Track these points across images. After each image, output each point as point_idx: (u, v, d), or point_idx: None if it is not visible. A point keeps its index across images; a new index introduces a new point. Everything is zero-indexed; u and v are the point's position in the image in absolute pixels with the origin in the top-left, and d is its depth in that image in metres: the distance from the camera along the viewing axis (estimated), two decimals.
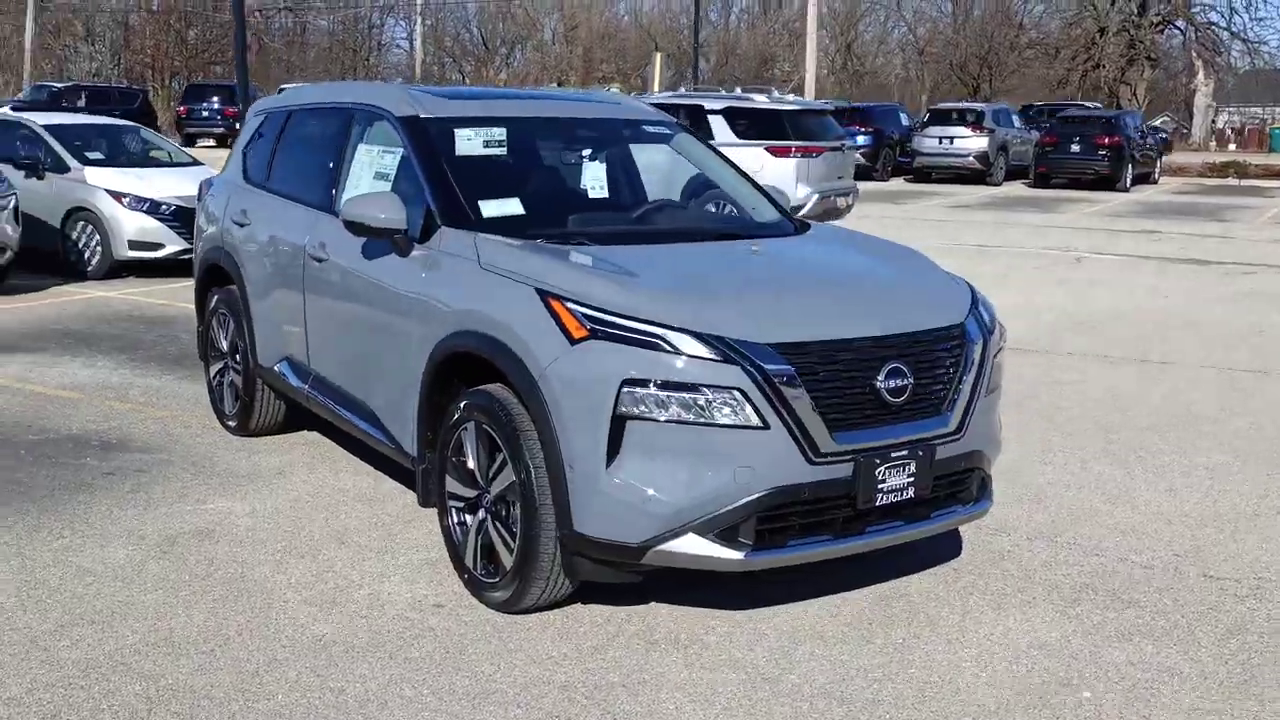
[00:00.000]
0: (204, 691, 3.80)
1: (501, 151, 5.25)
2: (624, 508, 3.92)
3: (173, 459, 6.18)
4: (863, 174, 27.88)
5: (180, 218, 11.77)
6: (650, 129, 5.85)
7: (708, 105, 15.09)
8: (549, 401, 3.99)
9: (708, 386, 3.85)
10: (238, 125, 35.03)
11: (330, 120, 5.83)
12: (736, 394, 3.86)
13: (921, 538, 4.49)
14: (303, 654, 4.07)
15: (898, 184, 28.28)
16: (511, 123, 5.35)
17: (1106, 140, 26.36)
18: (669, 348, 3.89)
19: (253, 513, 5.41)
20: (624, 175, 5.75)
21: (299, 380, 5.81)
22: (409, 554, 4.95)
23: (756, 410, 3.87)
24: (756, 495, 3.90)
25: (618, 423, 3.88)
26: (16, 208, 11.03)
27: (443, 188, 4.85)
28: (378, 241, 4.94)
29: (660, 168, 6.12)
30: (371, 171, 5.32)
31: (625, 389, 3.86)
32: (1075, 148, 26.51)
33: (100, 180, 11.94)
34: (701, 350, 3.89)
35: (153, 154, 13.39)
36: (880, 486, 4.08)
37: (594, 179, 5.39)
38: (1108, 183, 26.51)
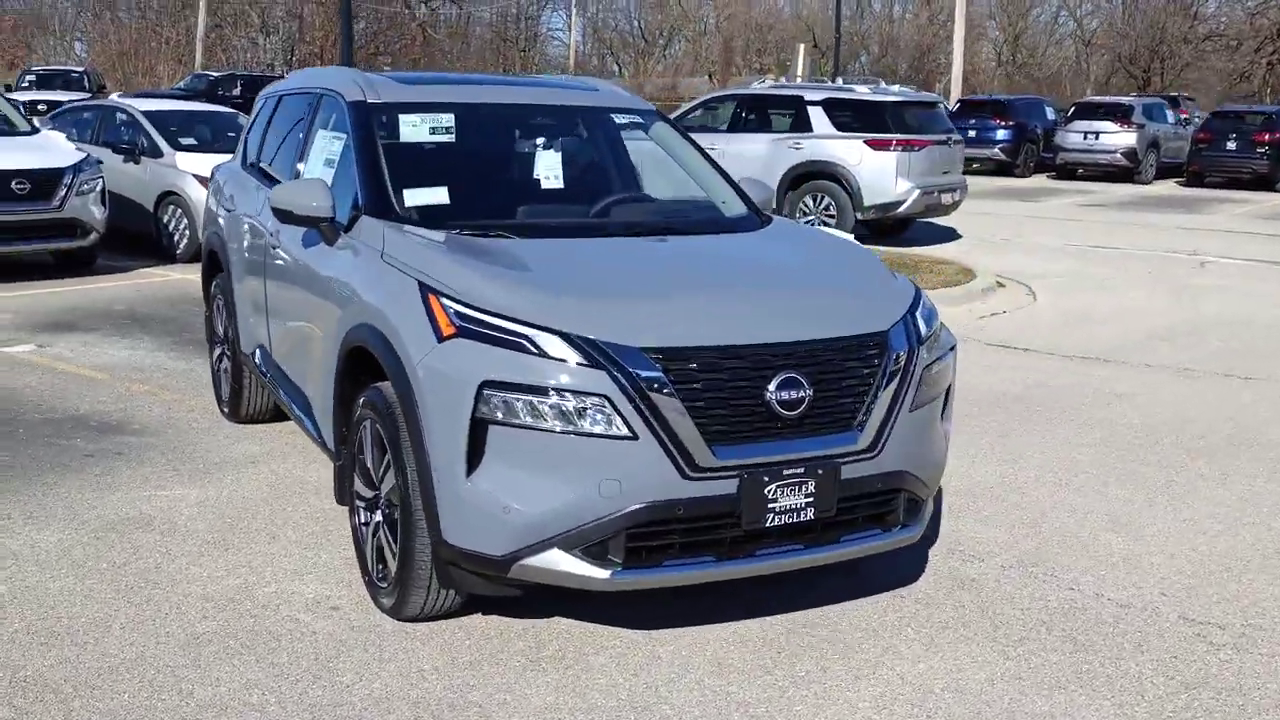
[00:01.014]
0: (55, 685, 3.73)
1: (450, 138, 5.06)
2: (485, 518, 3.69)
3: (157, 444, 6.19)
4: (1002, 170, 26.93)
5: None
6: (621, 118, 5.58)
7: (808, 96, 14.66)
8: (418, 401, 3.79)
9: (572, 392, 3.59)
10: None
11: (301, 105, 5.74)
12: (603, 401, 3.59)
13: (827, 563, 4.13)
14: (173, 651, 3.97)
15: (1038, 181, 27.08)
16: (464, 109, 5.15)
17: (1266, 137, 24.70)
18: (534, 349, 3.65)
19: (202, 501, 5.36)
20: (585, 165, 5.49)
21: (265, 369, 5.74)
22: (335, 552, 4.81)
23: (624, 419, 3.59)
24: (623, 510, 3.62)
25: (478, 427, 3.65)
26: (104, 190, 11.38)
27: (370, 175, 4.69)
28: (312, 230, 4.81)
29: (635, 158, 5.83)
30: (323, 157, 5.20)
31: (485, 391, 3.63)
32: (1231, 145, 24.89)
33: (189, 165, 12.21)
34: (567, 353, 3.63)
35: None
36: (771, 506, 3.75)
37: (548, 169, 5.15)
38: (1266, 183, 24.84)
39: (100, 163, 12.34)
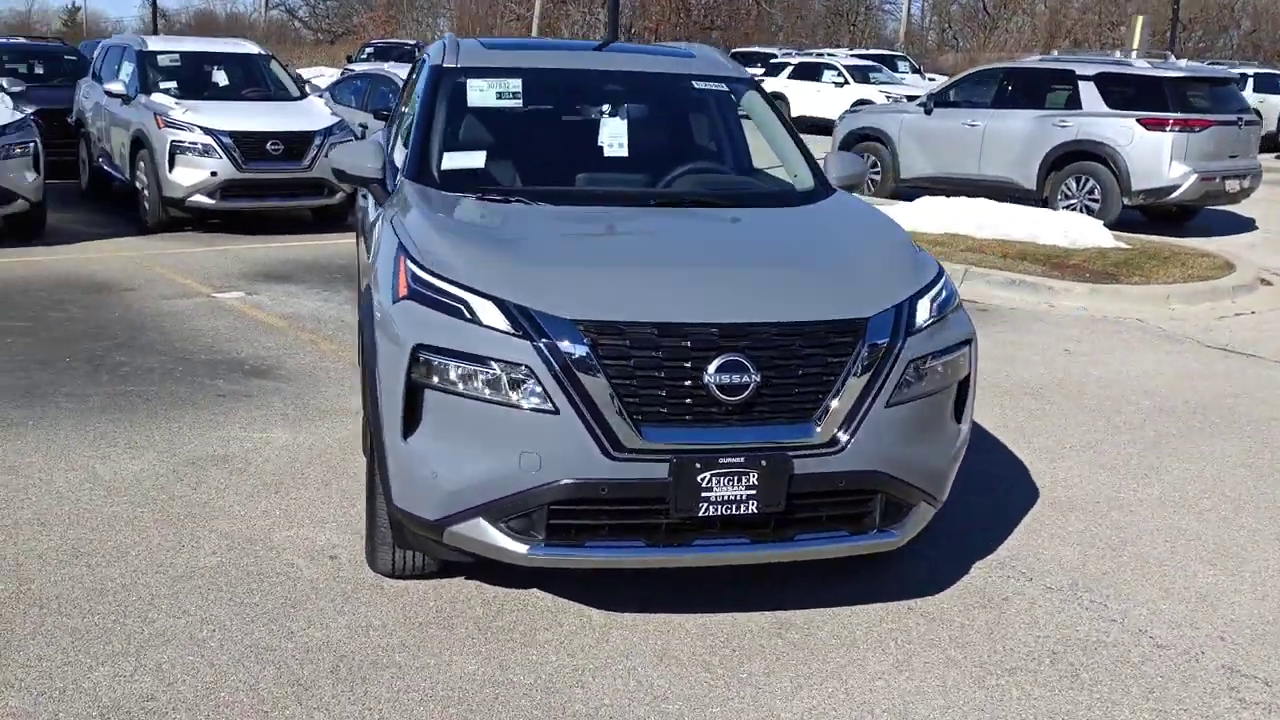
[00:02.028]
0: (44, 600, 4.04)
1: (516, 104, 5.06)
2: (418, 481, 3.70)
3: (286, 389, 6.56)
4: None
5: None
6: (704, 85, 5.37)
7: (1080, 70, 13.64)
8: (377, 361, 3.83)
9: (498, 361, 3.53)
10: None
11: (417, 70, 5.89)
12: (526, 372, 3.50)
13: (779, 561, 3.87)
14: (164, 581, 4.22)
15: None
16: (533, 74, 5.15)
17: None
18: (468, 315, 3.61)
19: (287, 445, 5.64)
20: (657, 133, 5.32)
21: None
22: None
23: (546, 392, 3.50)
24: (542, 485, 3.54)
25: (414, 389, 3.65)
26: None
27: (419, 138, 4.79)
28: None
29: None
30: (410, 121, 5.33)
31: (420, 354, 3.62)
32: None
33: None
34: (499, 321, 3.56)
35: None
36: (706, 495, 3.55)
37: (612, 136, 5.03)
38: None
39: (364, 126, 13.19)
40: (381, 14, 67.84)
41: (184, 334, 7.71)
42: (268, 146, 11.52)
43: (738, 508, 3.59)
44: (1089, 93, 13.46)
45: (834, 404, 3.62)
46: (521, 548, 3.62)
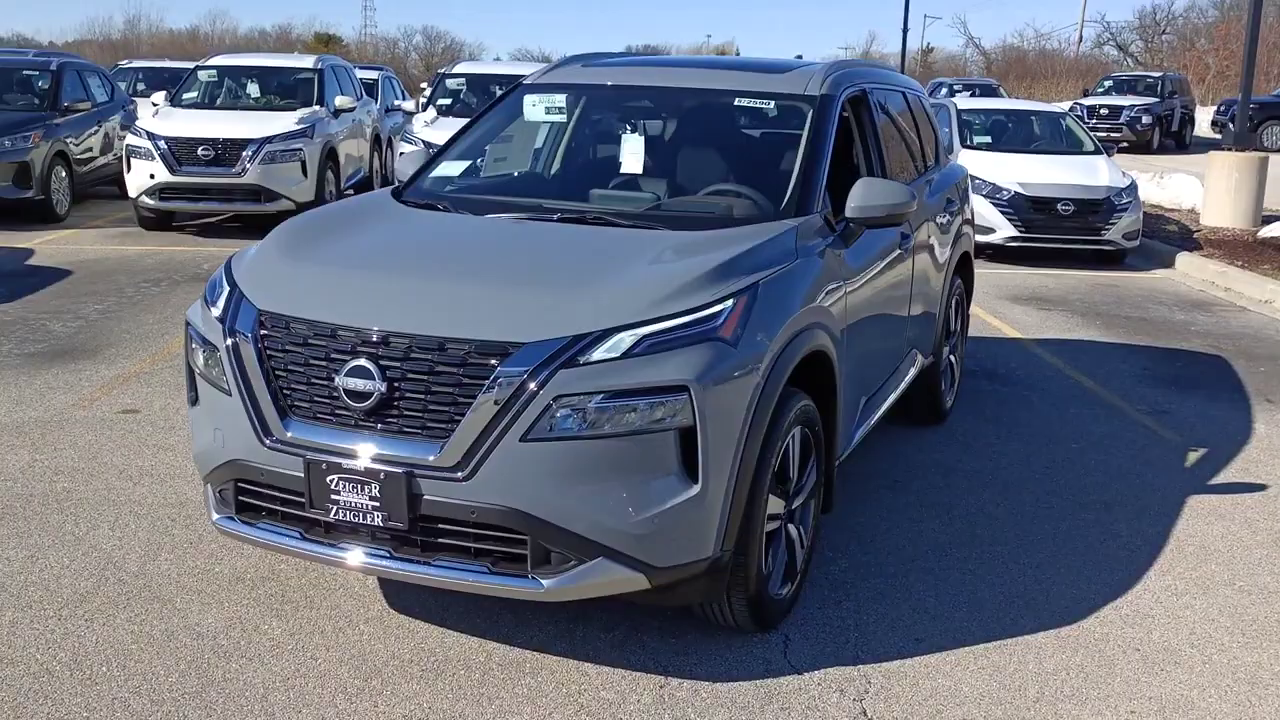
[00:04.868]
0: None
1: (561, 118, 5.14)
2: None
3: None
4: None
5: (1017, 204, 11.67)
6: (748, 103, 4.89)
7: None
8: None
9: (210, 344, 3.85)
10: None
11: None
12: (218, 353, 3.77)
13: (420, 583, 3.64)
14: (140, 496, 5.01)
15: None
16: (581, 90, 5.15)
17: None
18: (210, 299, 3.95)
19: None
20: (675, 150, 4.92)
21: None
22: None
23: (226, 375, 3.74)
24: (221, 462, 3.79)
25: (191, 368, 4.05)
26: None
27: (441, 148, 5.09)
28: None
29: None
30: None
31: (187, 330, 4.03)
32: None
33: (970, 161, 12.30)
34: (220, 306, 3.87)
35: (1060, 141, 13.14)
36: (335, 498, 3.53)
37: (631, 153, 4.82)
38: None
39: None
40: (1222, 45, 63.00)
41: None
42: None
43: (364, 517, 3.52)
44: None
45: (462, 428, 3.37)
46: (215, 515, 3.90)
